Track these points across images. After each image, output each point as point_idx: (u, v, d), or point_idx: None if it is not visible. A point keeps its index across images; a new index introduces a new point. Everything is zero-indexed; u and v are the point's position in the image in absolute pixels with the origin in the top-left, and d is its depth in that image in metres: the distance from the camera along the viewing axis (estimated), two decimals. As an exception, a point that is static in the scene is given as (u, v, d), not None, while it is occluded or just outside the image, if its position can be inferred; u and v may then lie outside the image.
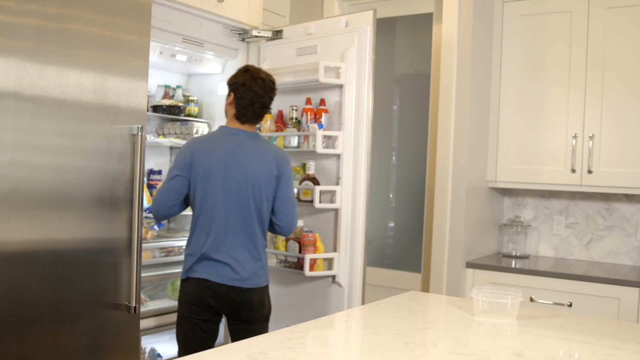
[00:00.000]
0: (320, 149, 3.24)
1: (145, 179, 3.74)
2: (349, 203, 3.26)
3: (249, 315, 2.87)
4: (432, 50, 4.10)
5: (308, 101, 3.41)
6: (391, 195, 4.66)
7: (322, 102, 3.37)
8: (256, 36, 3.67)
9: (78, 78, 2.61)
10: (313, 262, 3.27)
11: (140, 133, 2.88)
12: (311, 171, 3.31)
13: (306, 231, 3.33)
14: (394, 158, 4.66)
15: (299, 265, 3.31)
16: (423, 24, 4.28)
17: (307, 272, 3.24)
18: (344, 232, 3.27)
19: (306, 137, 3.35)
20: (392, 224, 4.67)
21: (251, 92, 2.90)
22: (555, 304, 3.58)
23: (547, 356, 1.87)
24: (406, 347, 1.94)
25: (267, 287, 2.95)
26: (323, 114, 3.33)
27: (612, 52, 3.75)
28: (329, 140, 3.27)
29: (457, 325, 2.25)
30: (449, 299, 2.61)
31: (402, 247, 4.42)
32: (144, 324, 3.37)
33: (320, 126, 3.29)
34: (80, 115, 2.64)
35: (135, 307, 2.89)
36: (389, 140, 4.65)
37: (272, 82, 2.96)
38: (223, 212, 2.85)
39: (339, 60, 3.29)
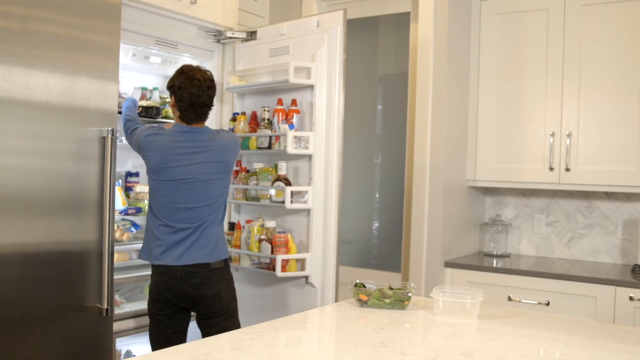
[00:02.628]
0: (291, 149, 3.23)
1: (120, 181, 3.74)
2: (321, 203, 3.26)
3: (205, 308, 2.90)
4: (410, 50, 4.09)
5: (279, 102, 3.41)
6: (377, 195, 4.66)
7: (294, 102, 3.37)
8: (230, 37, 3.67)
9: (45, 80, 2.61)
10: (285, 262, 3.26)
11: (110, 135, 2.88)
12: (283, 172, 3.31)
13: (278, 232, 3.33)
14: (378, 158, 4.66)
15: (271, 266, 3.31)
16: (406, 23, 4.27)
17: (279, 273, 3.24)
18: (316, 233, 3.26)
19: (277, 137, 3.35)
20: (376, 224, 4.66)
21: (188, 94, 2.93)
22: (532, 303, 3.57)
23: (496, 356, 1.87)
24: (356, 347, 1.94)
25: (222, 275, 2.95)
26: (294, 114, 3.32)
27: (589, 50, 3.73)
28: (301, 141, 3.27)
29: (415, 325, 2.24)
30: (415, 299, 2.60)
31: (385, 247, 4.41)
32: (120, 325, 3.37)
33: (292, 127, 3.29)
34: (48, 117, 2.64)
35: (107, 309, 2.89)
36: (372, 140, 4.65)
37: (209, 80, 2.98)
38: (178, 202, 2.94)
39: (310, 61, 3.28)
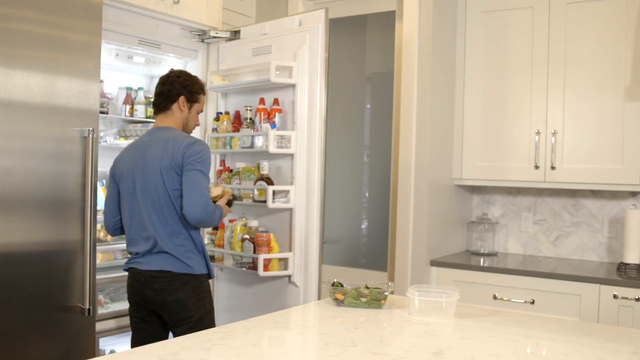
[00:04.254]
0: (272, 148, 3.23)
1: (104, 181, 3.73)
2: (303, 203, 3.25)
3: (168, 315, 2.88)
4: (395, 49, 4.09)
5: (261, 101, 3.41)
6: (367, 194, 4.65)
7: (276, 102, 3.37)
8: (214, 37, 3.68)
9: (25, 79, 2.61)
10: (267, 262, 3.26)
11: (91, 135, 2.88)
12: (265, 171, 3.31)
13: (261, 231, 3.33)
14: (366, 157, 4.66)
15: (253, 265, 3.31)
16: (393, 21, 4.26)
17: (261, 272, 3.24)
18: (298, 232, 3.26)
19: (260, 137, 3.35)
20: (365, 223, 4.66)
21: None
22: (518, 301, 3.56)
23: (466, 355, 1.86)
24: (325, 347, 1.93)
25: (186, 281, 2.86)
26: (277, 113, 3.32)
27: (573, 48, 3.73)
28: (283, 140, 3.27)
29: (389, 324, 2.24)
30: (392, 298, 2.59)
31: (374, 246, 4.41)
32: (104, 325, 3.38)
33: (274, 126, 3.29)
34: (29, 117, 2.65)
35: (89, 309, 2.90)
36: (361, 139, 4.64)
37: (175, 75, 3.04)
38: (135, 208, 2.92)
39: (292, 60, 3.28)
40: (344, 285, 2.52)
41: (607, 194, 3.96)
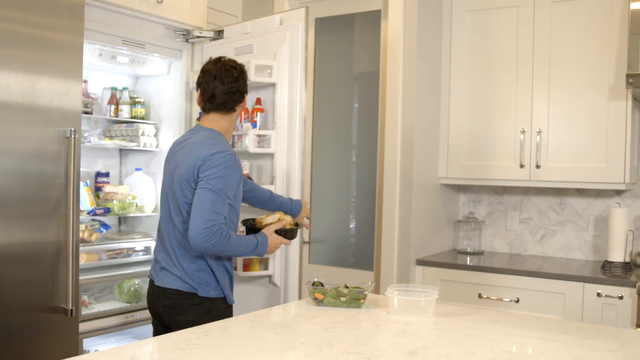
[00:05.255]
0: (252, 148, 3.23)
1: (88, 182, 3.73)
2: (284, 203, 3.25)
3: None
4: (381, 48, 4.09)
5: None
6: (355, 194, 4.65)
7: (258, 101, 3.37)
8: (198, 37, 3.67)
9: (6, 79, 2.61)
10: (248, 262, 3.25)
11: (73, 135, 2.87)
12: (246, 171, 3.30)
13: (241, 231, 3.32)
14: (354, 156, 4.65)
15: (234, 265, 3.29)
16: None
17: (241, 272, 3.23)
18: (279, 231, 3.25)
19: (240, 136, 3.34)
20: (353, 223, 4.66)
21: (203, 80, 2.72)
22: (504, 300, 3.57)
23: (440, 354, 1.86)
24: (300, 346, 1.94)
25: (196, 303, 2.63)
26: (258, 113, 3.32)
27: (558, 47, 3.74)
28: (264, 140, 3.26)
29: (367, 324, 2.24)
30: (372, 297, 2.60)
31: (362, 246, 4.40)
32: (89, 326, 3.37)
33: (254, 125, 3.28)
34: (10, 117, 2.64)
35: (72, 309, 2.89)
36: (349, 138, 4.64)
37: (240, 68, 2.72)
38: (164, 210, 2.74)
39: (272, 59, 3.27)
40: (324, 284, 2.51)
41: (593, 193, 3.97)
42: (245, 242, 2.58)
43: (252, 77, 3.19)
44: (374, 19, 4.26)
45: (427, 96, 3.96)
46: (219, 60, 2.73)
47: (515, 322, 2.31)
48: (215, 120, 2.71)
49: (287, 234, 2.75)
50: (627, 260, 3.64)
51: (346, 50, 4.56)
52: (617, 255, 3.64)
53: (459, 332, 2.15)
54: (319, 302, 2.46)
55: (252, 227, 2.73)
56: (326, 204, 4.45)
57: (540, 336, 2.13)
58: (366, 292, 2.45)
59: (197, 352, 1.82)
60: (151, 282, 2.75)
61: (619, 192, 3.90)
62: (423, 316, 2.33)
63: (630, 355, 1.97)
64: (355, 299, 2.43)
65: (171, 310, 2.63)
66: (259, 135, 3.25)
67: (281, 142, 3.23)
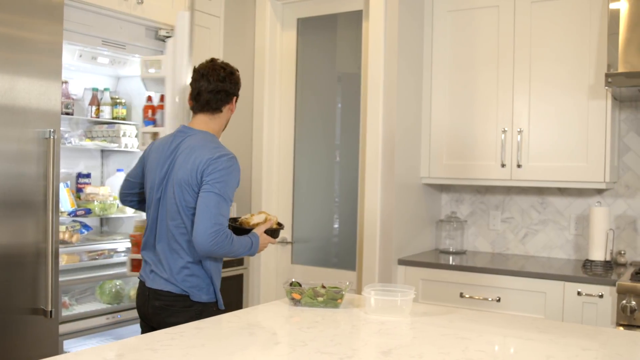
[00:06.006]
0: (141, 146, 3.24)
1: (68, 183, 3.71)
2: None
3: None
4: (362, 48, 4.10)
5: (149, 99, 3.44)
6: (339, 194, 4.65)
7: (162, 98, 3.35)
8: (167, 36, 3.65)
9: (-17, 79, 2.59)
10: (137, 262, 3.21)
11: (52, 136, 2.86)
12: None
13: (132, 233, 3.36)
14: (338, 156, 4.65)
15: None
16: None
17: (129, 272, 3.25)
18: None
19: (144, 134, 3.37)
20: (337, 223, 4.66)
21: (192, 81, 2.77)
22: (485, 299, 3.58)
23: (414, 353, 1.87)
24: (275, 346, 1.94)
25: (188, 305, 2.62)
26: (159, 110, 3.29)
27: (538, 46, 3.75)
28: (155, 137, 3.22)
29: (343, 324, 2.24)
30: (350, 297, 2.60)
31: (345, 246, 4.40)
32: (69, 327, 3.35)
33: (151, 123, 3.26)
34: (-13, 117, 2.63)
35: (51, 311, 2.88)
36: (332, 138, 4.64)
37: (229, 70, 2.75)
38: (154, 212, 2.72)
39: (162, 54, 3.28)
40: (302, 284, 2.51)
41: (574, 192, 3.99)
42: (243, 243, 2.60)
43: (142, 74, 3.24)
44: (357, 19, 4.26)
45: (408, 96, 3.97)
46: (211, 60, 2.76)
47: (492, 322, 2.32)
48: (203, 122, 2.72)
49: (274, 233, 2.79)
50: (608, 259, 3.66)
51: (329, 50, 4.56)
52: (598, 254, 3.65)
53: (434, 332, 2.16)
54: (296, 302, 2.46)
55: (240, 228, 2.74)
56: (309, 204, 4.45)
57: (516, 335, 2.15)
58: (343, 292, 2.46)
59: (170, 352, 1.81)
60: (142, 284, 2.73)
61: (600, 191, 3.92)
62: (400, 316, 2.33)
63: (604, 354, 1.98)
64: (332, 299, 2.43)
65: (162, 312, 2.62)
66: (145, 133, 3.23)
67: None
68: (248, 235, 2.66)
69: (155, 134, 3.23)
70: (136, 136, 3.87)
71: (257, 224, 2.73)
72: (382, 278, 3.81)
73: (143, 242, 2.78)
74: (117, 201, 3.74)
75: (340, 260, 4.37)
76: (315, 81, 4.53)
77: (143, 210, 2.95)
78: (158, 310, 2.64)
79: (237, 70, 2.80)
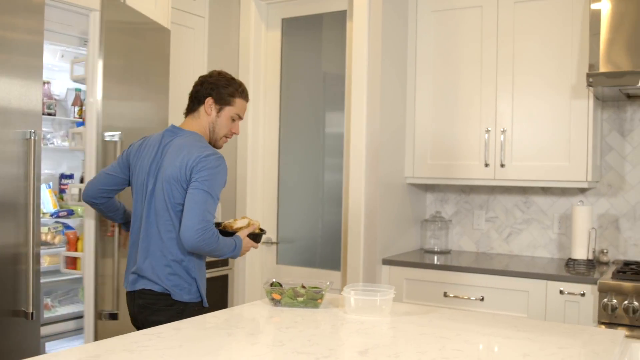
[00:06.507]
0: (71, 145, 3.29)
1: (51, 184, 3.70)
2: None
3: None
4: (346, 48, 4.10)
5: (75, 100, 3.48)
6: (325, 194, 4.65)
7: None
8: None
9: (-39, 78, 2.58)
10: (71, 259, 3.30)
11: (33, 137, 2.85)
12: None
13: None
14: (323, 157, 4.65)
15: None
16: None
17: (62, 269, 3.32)
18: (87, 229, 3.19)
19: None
20: (322, 223, 4.66)
21: None
22: (470, 298, 3.59)
23: (390, 353, 1.87)
24: (252, 347, 1.94)
25: (169, 304, 2.64)
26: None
27: (521, 46, 3.77)
28: (82, 137, 3.25)
29: (323, 324, 2.24)
30: (331, 297, 2.60)
31: (330, 246, 4.41)
32: (52, 329, 3.35)
33: (82, 124, 3.31)
34: (-35, 118, 2.61)
35: (32, 313, 2.87)
36: (318, 139, 4.64)
37: (208, 75, 2.85)
38: (139, 212, 2.75)
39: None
40: (283, 285, 2.52)
41: (557, 191, 4.01)
42: (227, 243, 2.64)
43: (71, 75, 3.27)
44: (342, 19, 4.27)
45: (392, 96, 3.97)
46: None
47: (472, 321, 2.33)
48: (187, 124, 2.80)
49: (257, 237, 2.83)
50: (590, 257, 3.67)
51: (315, 51, 4.57)
52: (580, 252, 3.67)
53: (413, 331, 2.16)
54: (276, 302, 2.46)
55: (224, 231, 2.77)
56: (294, 204, 4.45)
57: (494, 334, 2.15)
58: (323, 292, 2.46)
59: (146, 354, 1.81)
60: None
61: (582, 191, 3.94)
62: (380, 315, 2.33)
63: (580, 352, 1.99)
64: (312, 299, 2.44)
65: (144, 310, 2.65)
66: (74, 133, 3.25)
67: (90, 138, 3.16)
68: (232, 238, 2.69)
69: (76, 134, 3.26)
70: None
71: (240, 228, 2.78)
72: (366, 278, 3.82)
73: (131, 240, 2.79)
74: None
75: (325, 260, 4.37)
76: (301, 81, 4.54)
77: (106, 211, 2.98)
78: (141, 308, 2.67)
79: (224, 76, 2.83)
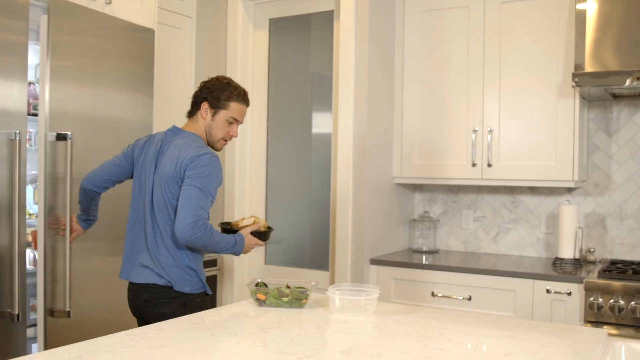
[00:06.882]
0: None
1: (36, 185, 3.68)
2: None
3: None
4: (334, 48, 4.10)
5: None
6: (313, 194, 4.65)
7: None
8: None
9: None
10: None
11: (18, 138, 2.85)
12: None
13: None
14: (311, 157, 4.65)
15: None
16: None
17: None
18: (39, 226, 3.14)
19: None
20: (311, 223, 4.66)
21: None
22: (457, 298, 3.60)
23: (372, 352, 1.88)
24: (235, 347, 1.94)
25: (173, 297, 2.71)
26: None
27: (508, 46, 3.78)
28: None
29: (307, 324, 2.24)
30: (316, 297, 2.60)
31: (319, 246, 4.41)
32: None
33: None
34: (-51, 119, 2.60)
35: (18, 314, 2.86)
36: (306, 139, 4.64)
37: (207, 80, 2.93)
38: (140, 206, 2.84)
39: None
40: (268, 285, 2.52)
41: (544, 190, 4.02)
42: (226, 239, 2.72)
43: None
44: (330, 19, 4.27)
45: (380, 96, 3.98)
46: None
47: (456, 320, 2.34)
48: (187, 125, 2.90)
49: (262, 235, 2.89)
50: (577, 256, 3.69)
51: (303, 51, 4.57)
52: (567, 252, 3.68)
53: (397, 331, 2.17)
54: (261, 302, 2.46)
55: (229, 229, 2.88)
56: (283, 205, 4.46)
57: (477, 333, 2.16)
58: (308, 292, 2.46)
59: (128, 355, 1.81)
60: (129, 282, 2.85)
61: (569, 190, 3.96)
62: (364, 315, 2.34)
63: (561, 350, 2.00)
64: (297, 299, 2.44)
65: (150, 304, 2.73)
66: None
67: (41, 142, 3.10)
68: (233, 235, 2.79)
69: None
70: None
71: (246, 226, 2.87)
72: (354, 278, 3.82)
73: (128, 236, 2.87)
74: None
75: (313, 260, 4.37)
76: (289, 82, 4.54)
77: (93, 203, 3.07)
78: (146, 302, 2.75)
79: (221, 80, 2.89)
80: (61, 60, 3.15)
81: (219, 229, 2.88)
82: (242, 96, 2.88)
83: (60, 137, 3.14)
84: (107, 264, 3.32)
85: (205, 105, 2.83)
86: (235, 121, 2.88)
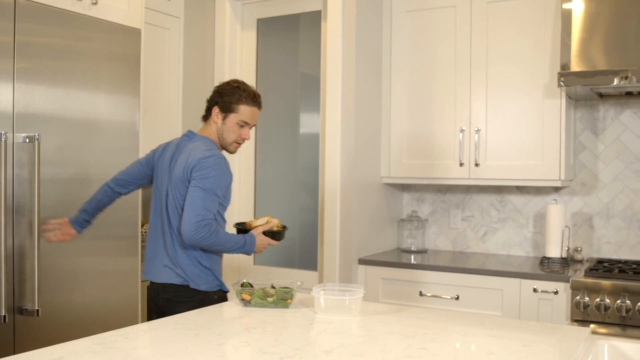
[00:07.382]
0: None
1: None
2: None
3: None
4: (321, 48, 4.11)
5: None
6: (302, 194, 4.66)
7: None
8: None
9: None
10: None
11: (4, 140, 2.83)
12: None
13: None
14: (301, 157, 4.66)
15: None
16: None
17: None
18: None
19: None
20: (300, 223, 4.66)
21: None
22: (445, 297, 3.60)
23: (355, 352, 1.88)
24: (218, 347, 1.93)
25: (190, 296, 2.78)
26: None
27: (495, 46, 3.79)
28: None
29: (291, 324, 2.24)
30: (302, 297, 2.60)
31: (308, 246, 4.41)
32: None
33: None
34: None
35: (4, 316, 2.86)
36: (294, 139, 4.65)
37: (219, 84, 3.00)
38: (158, 209, 2.91)
39: None
40: (254, 285, 2.52)
41: (532, 190, 4.03)
42: (234, 239, 2.76)
43: None
44: (319, 19, 4.27)
45: (367, 96, 3.98)
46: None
47: (441, 319, 2.34)
48: (202, 129, 2.97)
49: (275, 235, 2.92)
50: (564, 256, 3.70)
51: (291, 51, 4.57)
52: (554, 251, 3.70)
53: (381, 330, 2.17)
54: (246, 303, 2.46)
55: (243, 229, 2.92)
56: (271, 205, 4.46)
57: (461, 332, 2.16)
58: (293, 292, 2.46)
59: (110, 355, 1.80)
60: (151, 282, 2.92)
61: (557, 189, 3.97)
62: (349, 315, 2.34)
63: (544, 349, 2.00)
64: (282, 299, 2.44)
65: (169, 303, 2.80)
66: None
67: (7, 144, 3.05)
68: (243, 235, 2.83)
69: None
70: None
71: (258, 226, 2.91)
72: (342, 278, 3.83)
73: (149, 235, 2.95)
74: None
75: (302, 260, 4.38)
76: (277, 82, 4.54)
77: (108, 204, 3.13)
78: (166, 302, 2.81)
79: (231, 84, 2.94)
80: (26, 62, 3.08)
81: (234, 230, 2.94)
82: (252, 99, 2.91)
83: (29, 139, 3.08)
84: (77, 264, 3.29)
85: (216, 110, 2.89)
86: (246, 124, 2.92)
